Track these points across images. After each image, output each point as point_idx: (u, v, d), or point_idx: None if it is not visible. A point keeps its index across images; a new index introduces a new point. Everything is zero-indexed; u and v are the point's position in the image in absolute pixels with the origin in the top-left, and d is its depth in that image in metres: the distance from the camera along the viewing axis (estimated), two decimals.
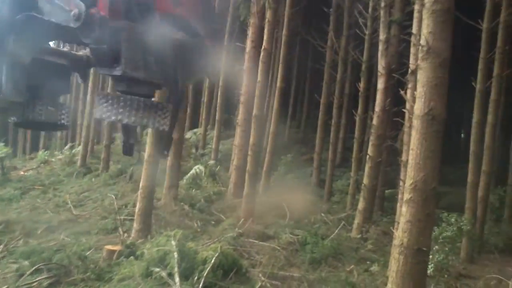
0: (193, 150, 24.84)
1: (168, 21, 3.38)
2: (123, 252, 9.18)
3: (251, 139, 13.42)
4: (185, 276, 7.50)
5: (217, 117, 23.32)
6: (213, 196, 14.67)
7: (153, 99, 3.59)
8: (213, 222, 12.63)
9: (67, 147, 23.52)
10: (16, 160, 23.57)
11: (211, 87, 25.95)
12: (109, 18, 3.08)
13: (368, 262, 10.60)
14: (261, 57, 14.05)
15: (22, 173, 21.06)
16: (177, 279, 7.23)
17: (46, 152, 25.29)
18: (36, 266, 8.06)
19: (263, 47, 13.98)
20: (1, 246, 9.98)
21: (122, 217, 12.13)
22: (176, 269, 7.32)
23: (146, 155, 11.24)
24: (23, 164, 23.53)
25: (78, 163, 20.52)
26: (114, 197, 14.35)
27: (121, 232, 10.68)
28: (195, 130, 27.75)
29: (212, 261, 7.56)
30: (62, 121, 4.19)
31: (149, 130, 11.53)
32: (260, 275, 8.87)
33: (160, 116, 3.45)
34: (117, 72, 3.24)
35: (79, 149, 22.63)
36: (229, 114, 26.12)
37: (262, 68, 13.95)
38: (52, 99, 4.14)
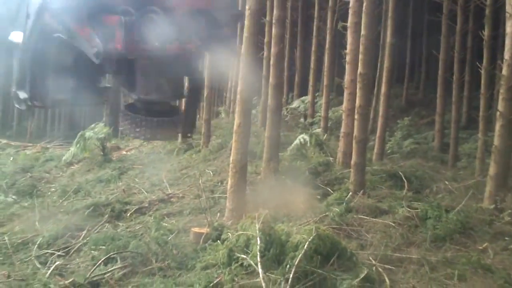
0: (302, 119, 23.43)
1: (191, 17, 3.67)
2: (211, 234, 8.09)
3: (357, 101, 11.80)
4: (274, 264, 6.20)
5: (324, 82, 21.69)
6: (319, 167, 13.13)
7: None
8: (318, 197, 11.13)
9: None
10: (120, 140, 23.71)
11: (319, 50, 24.26)
12: (125, 53, 3.41)
13: (506, 238, 8.51)
14: (364, 8, 12.29)
15: (124, 152, 21.02)
16: (260, 269, 5.93)
17: None
18: (109, 255, 7.20)
19: None
20: (84, 232, 9.33)
21: (217, 195, 11.08)
22: (258, 257, 6.01)
23: (235, 125, 10.05)
24: (127, 143, 23.58)
25: (179, 139, 19.90)
26: (211, 173, 13.42)
27: (208, 212, 9.53)
28: (303, 98, 26.25)
29: (305, 246, 6.15)
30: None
31: (238, 97, 10.26)
32: (371, 258, 7.35)
33: (171, 130, 4.04)
34: (134, 96, 3.82)
35: None
36: (339, 78, 24.39)
37: (365, 21, 12.18)
38: None
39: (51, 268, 7.45)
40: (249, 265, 6.26)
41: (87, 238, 8.72)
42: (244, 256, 6.31)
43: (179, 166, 15.67)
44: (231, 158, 9.97)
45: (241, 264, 6.38)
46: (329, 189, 11.51)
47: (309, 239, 6.29)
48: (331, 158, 14.07)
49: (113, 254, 7.28)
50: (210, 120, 19.21)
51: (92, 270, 7.01)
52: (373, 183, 11.75)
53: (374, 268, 6.92)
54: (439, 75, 18.35)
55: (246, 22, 9.95)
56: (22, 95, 3.96)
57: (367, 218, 9.38)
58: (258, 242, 6.23)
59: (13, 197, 13.13)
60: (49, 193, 13.68)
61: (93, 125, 18.22)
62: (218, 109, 26.45)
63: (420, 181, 12.31)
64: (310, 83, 24.20)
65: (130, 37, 3.42)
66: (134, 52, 3.49)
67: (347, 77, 13.90)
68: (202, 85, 4.92)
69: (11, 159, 21.38)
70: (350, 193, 10.79)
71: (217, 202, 10.76)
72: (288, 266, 6.07)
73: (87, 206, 10.94)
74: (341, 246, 6.80)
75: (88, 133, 17.16)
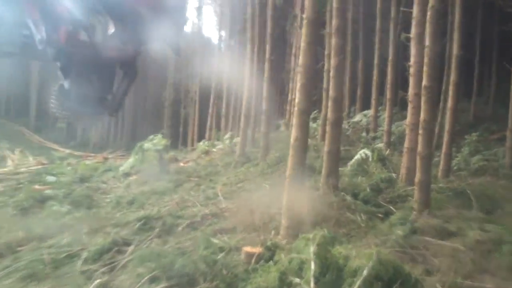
0: (364, 134, 22.72)
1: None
2: (263, 255, 7.62)
3: (422, 115, 11.14)
4: None
5: (387, 96, 20.94)
6: (381, 184, 12.46)
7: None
8: (380, 215, 10.46)
9: (227, 136, 23.00)
10: (179, 152, 23.79)
11: (382, 63, 23.54)
12: (65, 45, 3.73)
13: None
14: (428, 17, 11.66)
15: (182, 164, 20.98)
16: None
17: (206, 142, 25.22)
18: (153, 274, 6.86)
19: (430, 4, 11.59)
20: (132, 247, 9.06)
21: (273, 211, 10.63)
22: (312, 283, 5.52)
23: (291, 138, 9.61)
24: (185, 155, 23.59)
25: (237, 152, 19.70)
26: (268, 188, 13.01)
27: (261, 230, 9.06)
28: (365, 112, 25.56)
29: (364, 272, 5.60)
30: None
31: (295, 110, 9.82)
32: (438, 285, 6.67)
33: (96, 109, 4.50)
34: (66, 85, 4.16)
35: (239, 138, 21.93)
36: (403, 91, 23.52)
37: (430, 31, 11.55)
38: None
39: (92, 285, 7.17)
40: None
41: (134, 254, 8.42)
42: (298, 280, 5.81)
43: (236, 179, 15.34)
44: (287, 173, 9.51)
45: None
46: (392, 207, 10.82)
47: (369, 264, 5.74)
48: (394, 174, 13.36)
49: (158, 272, 6.93)
50: (268, 134, 18.86)
51: None
52: (438, 201, 10.99)
53: None
54: (511, 89, 17.24)
55: (304, 31, 9.57)
56: None
57: (434, 240, 8.67)
58: (312, 266, 5.73)
59: (67, 207, 13.16)
60: (104, 204, 13.62)
61: (151, 136, 18.20)
62: (278, 122, 26.08)
63: (491, 201, 11.43)
64: (373, 96, 23.53)
65: (75, 34, 3.69)
66: (75, 47, 3.76)
67: (410, 91, 13.27)
68: (133, 78, 5.10)
69: (69, 168, 21.74)
70: (414, 212, 10.13)
71: (272, 219, 10.29)
72: None
73: (138, 219, 10.70)
74: (405, 272, 6.17)
75: (147, 145, 17.23)
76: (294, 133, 9.62)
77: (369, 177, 13.18)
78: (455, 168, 16.13)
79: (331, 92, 12.20)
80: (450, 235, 8.97)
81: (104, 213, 12.45)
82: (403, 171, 13.18)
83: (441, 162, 15.07)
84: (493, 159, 17.85)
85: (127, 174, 18.77)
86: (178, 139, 43.87)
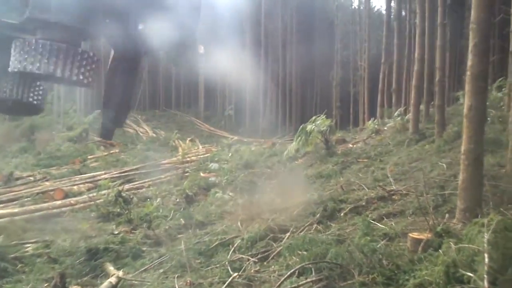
0: None
1: None
2: (432, 241, 6.56)
3: None
4: None
5: None
6: None
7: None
8: None
9: (397, 112, 21.38)
10: (347, 133, 22.76)
11: None
12: None
13: None
14: None
15: (350, 145, 20.01)
16: None
17: (376, 121, 23.81)
18: (302, 265, 6.21)
19: None
20: (288, 234, 8.52)
21: (447, 192, 9.37)
22: (485, 281, 4.41)
23: (465, 108, 8.29)
24: (353, 136, 22.52)
25: (410, 129, 18.17)
26: (444, 167, 11.62)
27: (432, 213, 7.86)
28: None
29: None
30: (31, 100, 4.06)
31: (467, 74, 8.43)
32: None
33: (78, 66, 3.08)
34: (25, 15, 3.03)
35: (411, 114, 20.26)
36: None
37: None
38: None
39: (237, 276, 6.76)
40: None
41: (291, 241, 7.87)
42: (471, 274, 4.72)
43: (408, 159, 14.03)
44: (462, 148, 8.23)
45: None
46: None
47: None
48: None
49: (309, 263, 6.28)
50: (444, 107, 17.07)
51: (279, 284, 6.11)
52: None
53: None
54: None
55: None
56: None
57: None
58: (486, 259, 4.60)
59: (230, 194, 13.16)
60: (268, 189, 13.35)
61: (314, 117, 17.55)
62: (456, 94, 23.69)
63: None
64: None
65: None
66: None
67: None
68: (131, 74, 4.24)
69: (230, 155, 22.02)
70: None
71: (447, 200, 9.05)
72: None
73: (298, 205, 10.19)
74: None
75: (310, 126, 16.61)
76: (467, 101, 8.27)
77: None
78: None
79: None
80: None
81: (267, 199, 12.15)
82: None
83: None
84: None
85: (293, 158, 18.45)
86: (349, 119, 42.84)
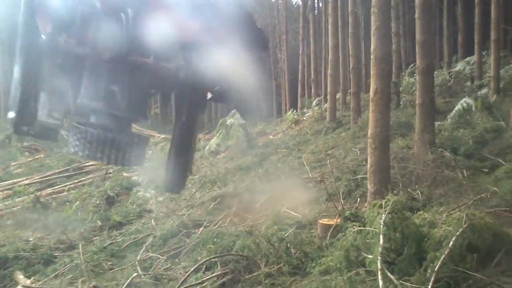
0: (468, 83, 20.41)
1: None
2: (341, 227, 6.51)
3: None
4: (407, 267, 4.51)
5: (492, 37, 18.30)
6: (486, 134, 10.80)
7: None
8: (485, 170, 8.92)
9: (314, 102, 21.64)
10: (268, 124, 22.77)
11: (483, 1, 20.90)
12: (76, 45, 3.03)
13: None
14: None
15: (271, 137, 20.05)
16: (380, 279, 4.28)
17: (295, 111, 24.02)
18: (207, 259, 6.00)
19: None
20: (201, 229, 8.28)
21: (359, 176, 9.47)
22: (379, 262, 4.35)
23: (370, 92, 8.36)
24: (274, 127, 22.57)
25: (328, 118, 18.40)
26: (358, 152, 11.78)
27: (341, 199, 7.89)
28: (468, 58, 22.94)
29: (451, 243, 4.33)
30: None
31: (371, 58, 8.48)
32: None
33: (123, 153, 3.32)
34: (77, 101, 3.29)
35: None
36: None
37: None
38: None
39: (144, 275, 6.48)
40: (371, 270, 4.64)
41: (203, 236, 7.64)
42: (370, 257, 4.65)
43: (325, 147, 14.16)
44: (369, 132, 8.30)
45: (361, 270, 4.76)
46: (500, 160, 9.19)
47: (457, 233, 4.44)
48: (502, 123, 11.53)
49: (215, 257, 6.07)
50: (359, 94, 17.38)
51: (182, 280, 5.87)
52: None
53: None
54: None
55: None
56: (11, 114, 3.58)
57: None
58: (381, 240, 4.55)
59: (152, 192, 12.79)
60: (189, 185, 13.05)
61: (233, 111, 17.39)
62: (369, 81, 24.33)
63: None
64: (475, 40, 20.97)
65: (86, 29, 3.04)
66: (86, 46, 3.06)
67: None
68: (199, 112, 4.27)
69: (151, 152, 21.55)
70: None
71: (359, 185, 9.14)
72: (429, 270, 4.33)
73: (213, 198, 9.99)
74: (509, 239, 4.79)
75: (230, 120, 16.45)
76: (372, 85, 8.37)
77: (471, 128, 11.50)
78: None
79: (417, 36, 10.72)
80: None
81: (187, 195, 11.84)
82: None
83: None
84: None
85: (215, 153, 18.22)
86: (272, 111, 43.11)
